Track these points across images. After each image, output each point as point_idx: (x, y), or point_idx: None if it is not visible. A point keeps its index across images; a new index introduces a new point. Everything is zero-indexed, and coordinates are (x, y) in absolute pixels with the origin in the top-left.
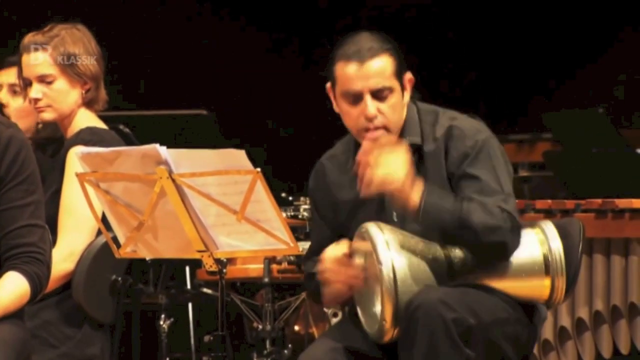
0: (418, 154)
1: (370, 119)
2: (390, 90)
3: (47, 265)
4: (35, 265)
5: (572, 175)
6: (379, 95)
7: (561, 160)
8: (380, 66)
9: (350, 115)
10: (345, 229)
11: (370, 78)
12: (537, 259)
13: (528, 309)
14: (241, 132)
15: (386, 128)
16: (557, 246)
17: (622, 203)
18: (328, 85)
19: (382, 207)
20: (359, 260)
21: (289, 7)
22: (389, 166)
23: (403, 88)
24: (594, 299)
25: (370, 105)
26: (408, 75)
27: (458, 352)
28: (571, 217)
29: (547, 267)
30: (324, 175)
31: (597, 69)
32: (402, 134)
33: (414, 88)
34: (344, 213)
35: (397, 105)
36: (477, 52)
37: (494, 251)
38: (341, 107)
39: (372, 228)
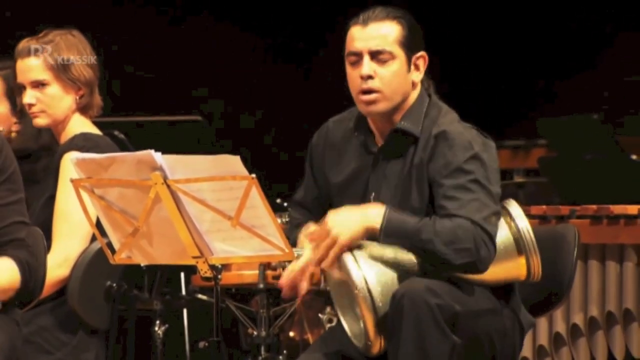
0: (414, 143)
1: (364, 78)
2: (391, 55)
3: (36, 257)
4: (23, 251)
5: (567, 181)
6: (378, 57)
7: (556, 167)
8: (383, 30)
9: (350, 78)
10: (329, 204)
11: (370, 39)
12: (507, 241)
13: (506, 297)
14: (236, 137)
15: (380, 92)
16: (524, 224)
17: (617, 209)
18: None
19: (365, 189)
20: (338, 275)
21: (288, 13)
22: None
23: (410, 64)
24: (588, 305)
25: (367, 64)
26: (420, 54)
27: (444, 336)
28: (566, 223)
29: (518, 246)
30: (326, 136)
31: (593, 75)
32: (403, 118)
33: (431, 80)
34: (332, 187)
35: (398, 75)
36: (472, 57)
37: (464, 269)
38: (346, 72)
39: None
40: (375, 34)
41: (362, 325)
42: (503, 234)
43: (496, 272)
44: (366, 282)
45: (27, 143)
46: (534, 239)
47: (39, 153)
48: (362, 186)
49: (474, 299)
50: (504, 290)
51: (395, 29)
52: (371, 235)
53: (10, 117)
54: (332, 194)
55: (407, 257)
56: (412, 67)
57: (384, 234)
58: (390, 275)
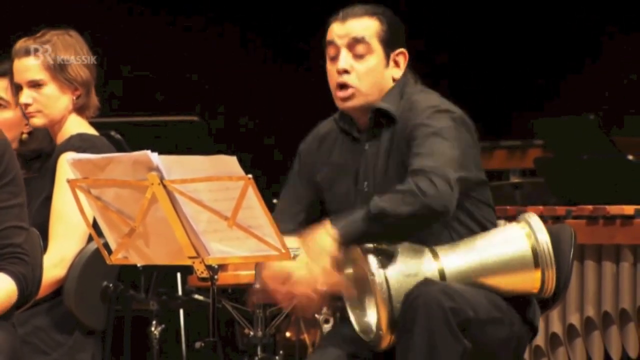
0: (393, 125)
1: (340, 72)
2: (369, 48)
3: (32, 266)
4: (20, 265)
5: (563, 181)
6: (355, 51)
7: (552, 167)
8: (362, 24)
9: (329, 74)
10: (320, 201)
11: (349, 33)
12: (525, 253)
13: (522, 306)
14: (233, 138)
15: (356, 88)
16: (543, 238)
17: (613, 209)
18: None
19: (356, 179)
20: (347, 270)
21: (288, 13)
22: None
23: (389, 60)
24: (585, 305)
25: (343, 59)
26: (400, 50)
27: (456, 340)
28: (562, 223)
29: (536, 259)
30: (315, 135)
31: (589, 75)
32: (382, 100)
33: (415, 74)
34: (321, 182)
35: (374, 71)
36: (469, 57)
37: (423, 215)
38: (326, 69)
39: None
40: (352, 28)
41: (374, 315)
42: (522, 246)
43: (511, 283)
44: (384, 271)
45: (42, 144)
46: (552, 253)
47: (50, 154)
48: (352, 177)
49: (489, 307)
50: (523, 299)
51: (373, 24)
52: (335, 249)
53: (22, 120)
54: (321, 189)
55: (423, 252)
56: (392, 63)
57: (344, 240)
58: (406, 272)
